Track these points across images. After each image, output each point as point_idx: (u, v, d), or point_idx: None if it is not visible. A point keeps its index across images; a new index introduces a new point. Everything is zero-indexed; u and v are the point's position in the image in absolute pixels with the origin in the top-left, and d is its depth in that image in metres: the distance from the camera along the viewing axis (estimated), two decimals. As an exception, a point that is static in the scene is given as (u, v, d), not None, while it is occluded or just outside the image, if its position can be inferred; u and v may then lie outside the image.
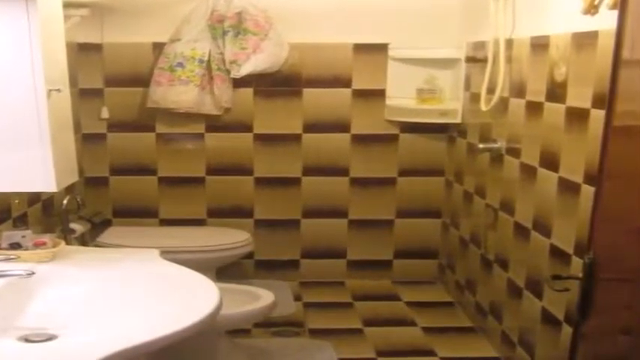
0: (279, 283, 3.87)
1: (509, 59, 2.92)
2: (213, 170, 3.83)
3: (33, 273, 1.83)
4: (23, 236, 2.03)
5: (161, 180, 3.84)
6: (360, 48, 3.71)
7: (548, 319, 2.52)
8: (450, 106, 3.66)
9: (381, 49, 3.71)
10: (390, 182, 3.89)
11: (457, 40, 3.62)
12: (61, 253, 2.06)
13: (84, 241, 3.22)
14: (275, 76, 3.67)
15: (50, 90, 1.96)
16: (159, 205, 3.86)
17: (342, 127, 3.80)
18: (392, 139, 3.83)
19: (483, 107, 3.06)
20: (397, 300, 3.75)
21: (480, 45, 3.30)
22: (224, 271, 3.57)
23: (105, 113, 3.70)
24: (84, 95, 3.67)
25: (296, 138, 3.80)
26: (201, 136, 3.78)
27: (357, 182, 3.88)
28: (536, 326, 2.62)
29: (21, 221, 2.64)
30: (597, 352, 1.55)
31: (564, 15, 2.41)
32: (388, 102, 3.76)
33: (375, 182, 3.89)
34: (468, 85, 3.51)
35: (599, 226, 1.55)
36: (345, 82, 3.74)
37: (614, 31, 1.46)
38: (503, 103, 2.95)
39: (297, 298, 3.73)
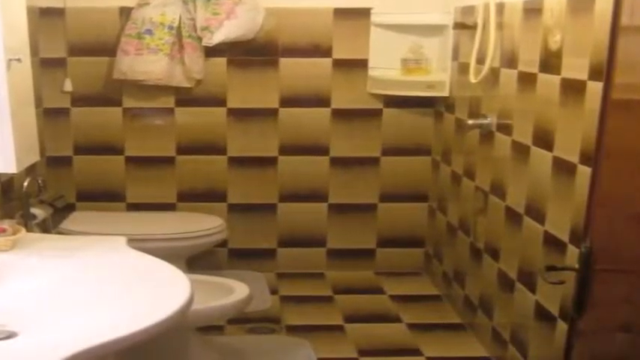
0: (255, 275, 3.88)
1: (500, 26, 2.90)
2: (183, 149, 3.82)
3: (-9, 263, 1.85)
4: (-20, 222, 2.03)
5: (128, 160, 3.82)
6: (340, 13, 3.69)
7: (542, 314, 2.52)
8: (437, 77, 3.65)
9: (364, 14, 3.70)
10: (372, 162, 3.89)
11: (445, 5, 3.59)
12: (21, 242, 2.07)
13: (45, 227, 3.20)
14: (250, 44, 3.66)
15: (10, 60, 1.96)
16: (126, 187, 3.85)
17: (322, 100, 3.79)
18: (375, 114, 3.82)
19: (472, 79, 3.06)
20: (380, 293, 3.75)
21: (470, 10, 3.27)
22: (195, 260, 3.58)
23: (68, 86, 3.67)
24: (45, 65, 3.64)
25: (272, 113, 3.79)
26: (170, 110, 3.77)
27: (337, 162, 3.88)
28: (529, 322, 2.62)
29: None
30: (594, 350, 1.56)
31: (559, -25, 2.39)
32: (371, 73, 3.75)
33: (356, 162, 3.89)
34: (456, 55, 3.50)
35: (596, 212, 1.56)
36: (325, 51, 3.73)
37: (613, -6, 1.45)
38: (494, 74, 2.94)
39: (274, 292, 3.73)
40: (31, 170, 3.04)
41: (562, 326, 2.35)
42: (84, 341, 1.45)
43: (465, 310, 3.36)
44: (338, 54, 3.73)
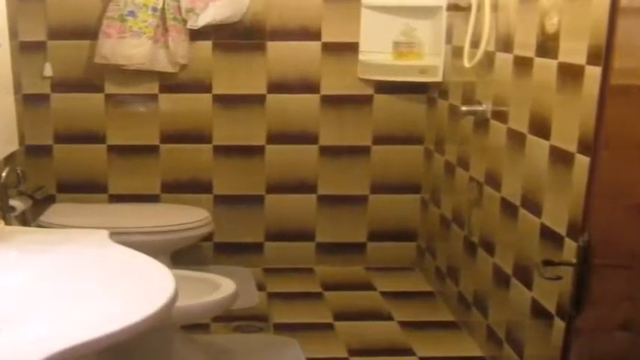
0: (241, 270, 3.88)
1: (495, 7, 2.89)
2: (167, 137, 3.82)
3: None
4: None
5: (110, 149, 3.82)
6: (330, -7, 3.71)
7: (538, 311, 2.52)
8: (430, 61, 3.64)
9: (354, -6, 3.71)
10: (363, 151, 3.89)
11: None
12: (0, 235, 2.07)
13: (25, 219, 3.21)
14: (236, 27, 3.66)
15: None
16: (108, 178, 3.85)
17: (311, 86, 3.79)
18: (365, 100, 3.82)
19: (467, 63, 3.05)
20: (371, 289, 3.76)
21: (464, -10, 3.26)
22: (180, 255, 3.58)
23: (48, 70, 3.66)
24: (24, 49, 3.63)
25: (259, 99, 3.79)
26: (154, 97, 3.76)
27: (327, 151, 3.88)
28: (525, 320, 2.63)
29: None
30: (593, 349, 1.56)
31: (557, -47, 2.37)
32: (361, 57, 3.75)
33: (347, 151, 3.89)
34: (449, 38, 3.49)
35: (595, 204, 1.56)
36: (314, 34, 3.73)
37: (611, -27, 1.45)
38: (489, 58, 2.94)
39: (261, 288, 3.74)
40: (9, 160, 3.03)
41: (559, 324, 2.35)
42: (64, 340, 1.45)
43: (459, 308, 3.37)
44: (327, 37, 3.72)
